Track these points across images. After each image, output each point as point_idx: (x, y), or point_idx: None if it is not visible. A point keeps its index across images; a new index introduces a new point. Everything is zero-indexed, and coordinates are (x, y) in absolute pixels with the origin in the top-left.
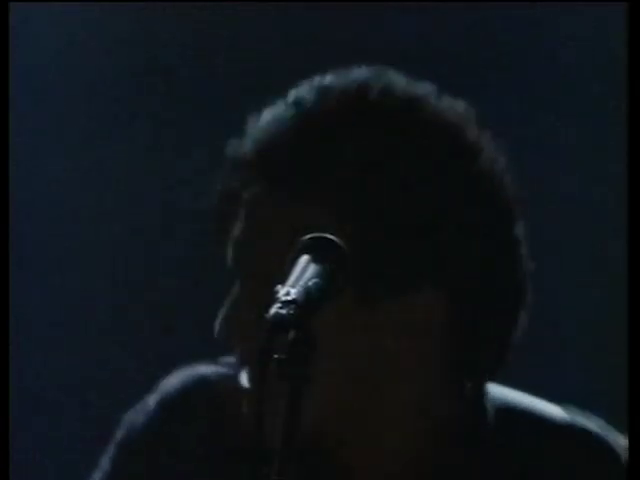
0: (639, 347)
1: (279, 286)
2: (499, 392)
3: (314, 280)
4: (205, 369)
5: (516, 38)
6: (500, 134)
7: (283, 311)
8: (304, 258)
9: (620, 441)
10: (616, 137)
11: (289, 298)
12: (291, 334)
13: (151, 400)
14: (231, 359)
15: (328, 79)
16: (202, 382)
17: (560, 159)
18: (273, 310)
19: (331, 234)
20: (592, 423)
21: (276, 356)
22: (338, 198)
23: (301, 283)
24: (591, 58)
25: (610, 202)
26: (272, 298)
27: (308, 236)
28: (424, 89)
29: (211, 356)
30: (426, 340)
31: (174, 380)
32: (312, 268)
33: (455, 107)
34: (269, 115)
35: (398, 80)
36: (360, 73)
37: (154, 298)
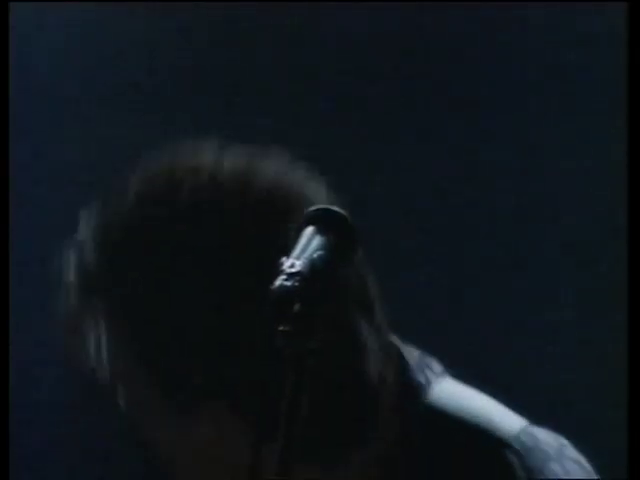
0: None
1: (284, 258)
2: (452, 399)
3: (319, 252)
4: None
5: (516, 38)
6: (500, 134)
7: (288, 283)
8: (309, 230)
9: None
10: (616, 137)
11: (294, 270)
12: (296, 306)
13: None
14: None
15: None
16: None
17: (559, 159)
18: (278, 282)
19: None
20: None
21: (281, 328)
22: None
23: (306, 255)
24: (591, 58)
25: (610, 201)
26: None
27: (313, 208)
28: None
29: None
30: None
31: None
32: (317, 240)
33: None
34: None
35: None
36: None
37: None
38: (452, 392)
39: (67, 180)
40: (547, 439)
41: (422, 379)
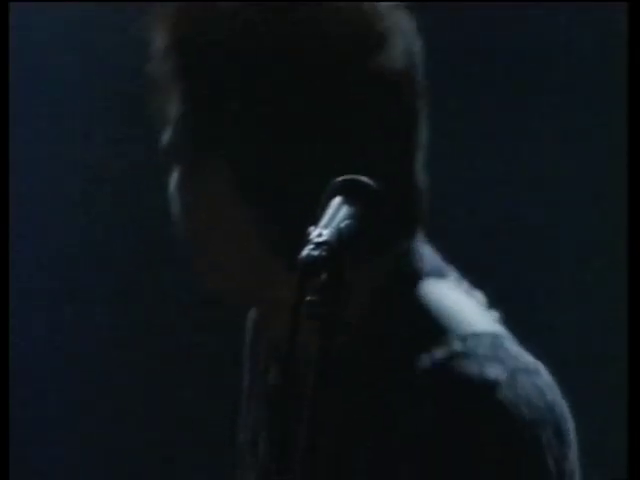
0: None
1: (311, 227)
2: (438, 296)
3: (346, 222)
4: None
5: (516, 38)
6: (499, 134)
7: (315, 253)
8: (337, 200)
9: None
10: (616, 136)
11: (321, 239)
12: (323, 276)
13: None
14: None
15: None
16: None
17: (559, 159)
18: (305, 251)
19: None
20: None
21: (308, 298)
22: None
23: (333, 224)
24: (591, 58)
25: (610, 200)
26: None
27: (341, 178)
28: None
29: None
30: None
31: None
32: (345, 210)
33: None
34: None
35: None
36: None
37: (154, 297)
38: (441, 289)
39: (67, 179)
40: (514, 352)
41: (419, 266)
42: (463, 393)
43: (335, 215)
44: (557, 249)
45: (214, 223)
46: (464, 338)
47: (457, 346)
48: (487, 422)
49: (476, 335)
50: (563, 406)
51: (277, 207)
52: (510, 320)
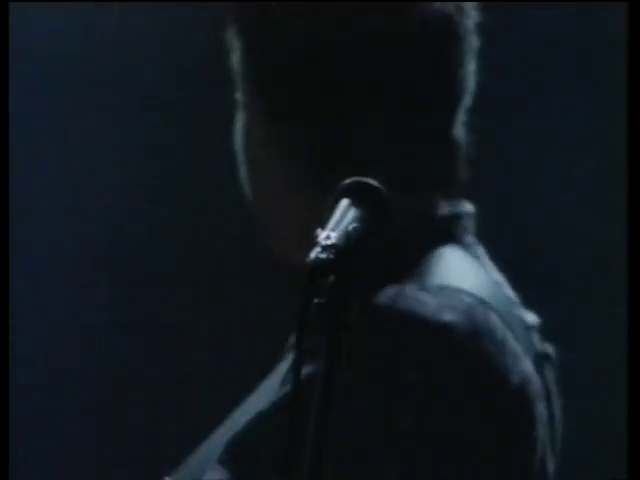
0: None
1: (319, 230)
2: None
3: (354, 224)
4: None
5: (516, 38)
6: (499, 134)
7: (323, 255)
8: (344, 202)
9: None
10: (616, 137)
11: (329, 242)
12: (331, 278)
13: None
14: None
15: None
16: None
17: (559, 159)
18: (313, 254)
19: None
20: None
21: (316, 300)
22: None
23: (341, 227)
24: (591, 58)
25: (610, 201)
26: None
27: (348, 180)
28: None
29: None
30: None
31: None
32: (352, 212)
33: None
34: None
35: None
36: None
37: (155, 297)
38: (462, 257)
39: (67, 180)
40: (496, 325)
41: (456, 232)
42: (409, 323)
43: (343, 218)
44: (557, 249)
45: (257, 161)
46: (443, 287)
47: (430, 289)
48: (426, 358)
49: (459, 290)
50: (535, 398)
51: (306, 148)
52: None
